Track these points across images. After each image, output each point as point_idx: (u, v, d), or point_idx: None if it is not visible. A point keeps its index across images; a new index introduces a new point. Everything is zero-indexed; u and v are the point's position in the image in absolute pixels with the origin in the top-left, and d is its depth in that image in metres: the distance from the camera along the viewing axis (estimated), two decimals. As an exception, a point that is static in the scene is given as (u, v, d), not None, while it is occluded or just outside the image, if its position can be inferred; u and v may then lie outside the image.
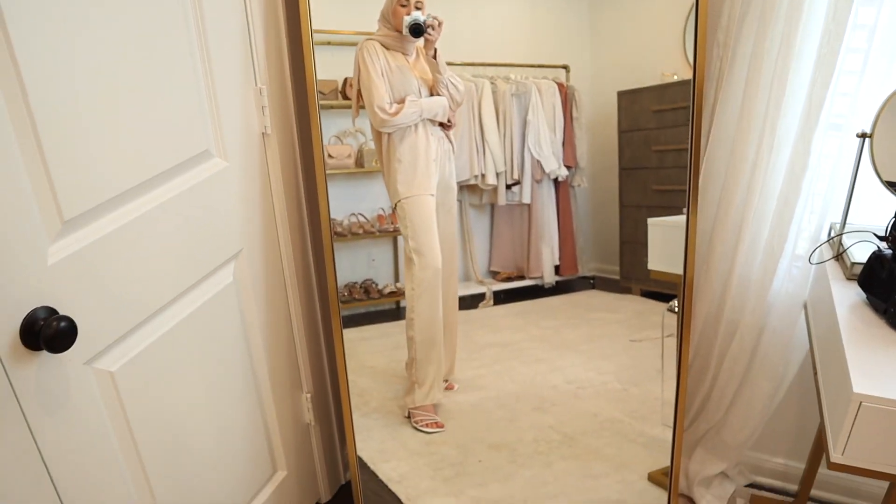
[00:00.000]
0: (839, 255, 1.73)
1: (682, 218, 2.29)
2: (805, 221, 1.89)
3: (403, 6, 2.47)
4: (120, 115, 1.32)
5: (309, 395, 2.13)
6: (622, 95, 3.94)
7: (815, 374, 1.70)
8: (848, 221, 1.79)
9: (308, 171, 2.02)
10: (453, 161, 2.77)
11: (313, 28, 3.48)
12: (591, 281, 4.26)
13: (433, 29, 2.44)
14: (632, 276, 3.98)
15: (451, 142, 2.71)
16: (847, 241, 1.74)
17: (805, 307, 1.94)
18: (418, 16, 2.43)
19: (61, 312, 1.20)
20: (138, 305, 1.42)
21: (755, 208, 1.91)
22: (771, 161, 1.86)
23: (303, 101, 1.98)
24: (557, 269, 4.17)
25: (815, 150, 1.82)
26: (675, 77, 3.76)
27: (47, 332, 1.15)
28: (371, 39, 2.57)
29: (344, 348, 1.95)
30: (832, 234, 1.83)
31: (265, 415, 1.93)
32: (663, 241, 2.26)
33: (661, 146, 3.76)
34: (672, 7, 3.77)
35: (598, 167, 4.27)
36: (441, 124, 2.65)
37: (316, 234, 2.08)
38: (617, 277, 4.13)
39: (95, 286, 1.30)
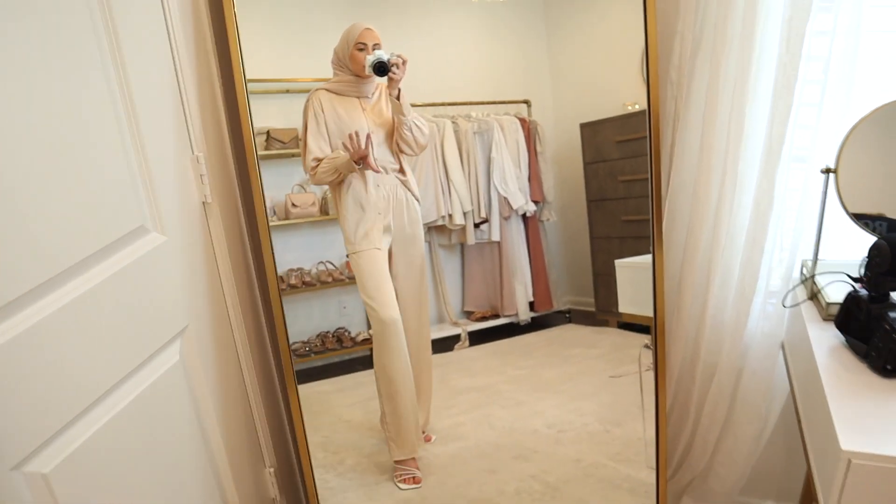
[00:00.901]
0: (814, 296, 1.65)
1: (647, 258, 2.20)
2: (776, 259, 1.81)
3: (361, 50, 2.39)
4: (37, 198, 1.20)
5: (272, 470, 2.00)
6: (585, 127, 3.88)
7: (799, 420, 1.60)
8: (820, 257, 1.71)
9: (255, 238, 1.91)
10: (415, 209, 2.67)
11: (270, 78, 3.42)
12: (567, 315, 4.16)
13: (397, 67, 2.35)
14: (607, 308, 3.88)
15: (408, 188, 2.61)
16: (821, 279, 1.66)
17: (783, 347, 1.85)
18: (381, 54, 2.33)
19: (-19, 417, 1.07)
20: (72, 398, 1.29)
21: (723, 249, 1.82)
22: (735, 200, 1.78)
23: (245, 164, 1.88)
24: (532, 306, 4.07)
25: (780, 186, 1.74)
26: (637, 107, 3.70)
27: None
28: (318, 90, 2.51)
29: (304, 425, 1.83)
30: (804, 272, 1.75)
31: (225, 495, 1.80)
32: (632, 283, 2.17)
33: (627, 176, 3.69)
34: (629, 37, 3.68)
35: (566, 200, 4.20)
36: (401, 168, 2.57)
37: (267, 300, 1.96)
38: (592, 309, 4.04)
39: (20, 383, 1.17)
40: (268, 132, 3.48)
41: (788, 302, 1.67)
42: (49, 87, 1.24)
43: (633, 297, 2.17)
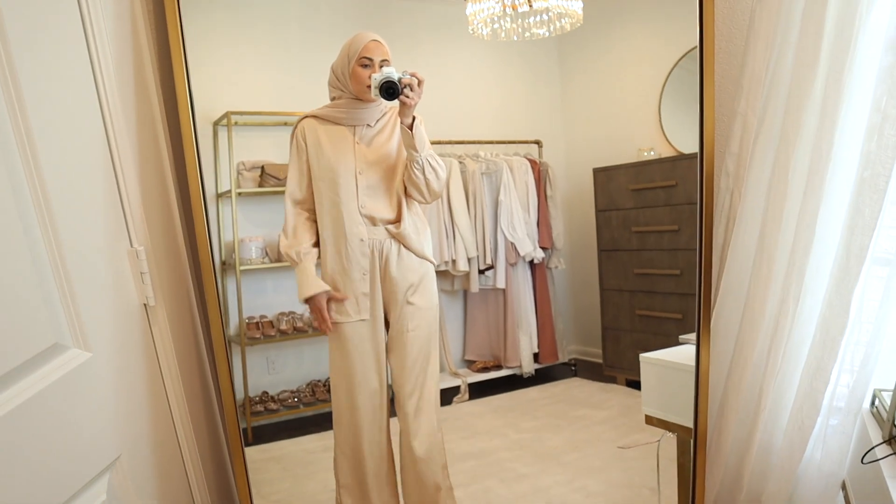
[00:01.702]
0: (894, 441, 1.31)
1: (678, 352, 1.86)
2: (843, 381, 1.46)
3: (365, 66, 1.86)
4: None
5: None
6: (598, 173, 3.56)
7: None
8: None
9: (211, 344, 1.55)
10: (417, 270, 2.01)
11: (267, 111, 3.11)
12: (573, 367, 3.85)
13: (411, 89, 1.80)
14: (616, 364, 3.57)
15: (405, 243, 1.99)
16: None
17: (844, 488, 1.52)
18: (392, 72, 1.79)
19: None
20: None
21: (778, 370, 1.48)
22: (797, 315, 1.43)
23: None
24: (536, 357, 3.76)
25: (856, 303, 1.40)
26: (653, 153, 3.40)
27: None
28: (306, 116, 1.99)
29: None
30: (876, 404, 1.41)
31: None
32: (660, 382, 1.84)
33: (640, 227, 3.38)
34: (647, 79, 3.42)
35: (576, 248, 3.90)
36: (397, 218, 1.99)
37: (230, 416, 1.59)
38: (599, 361, 3.74)
39: None
40: (262, 167, 3.18)
41: (866, 458, 1.32)
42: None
43: (660, 399, 1.84)
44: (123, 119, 1.36)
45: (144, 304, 1.37)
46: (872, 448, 1.28)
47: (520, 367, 3.70)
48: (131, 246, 1.34)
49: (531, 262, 3.75)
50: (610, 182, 3.58)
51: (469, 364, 3.81)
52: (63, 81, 1.23)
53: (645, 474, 2.53)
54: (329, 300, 1.91)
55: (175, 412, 1.45)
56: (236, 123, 3.07)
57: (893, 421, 1.31)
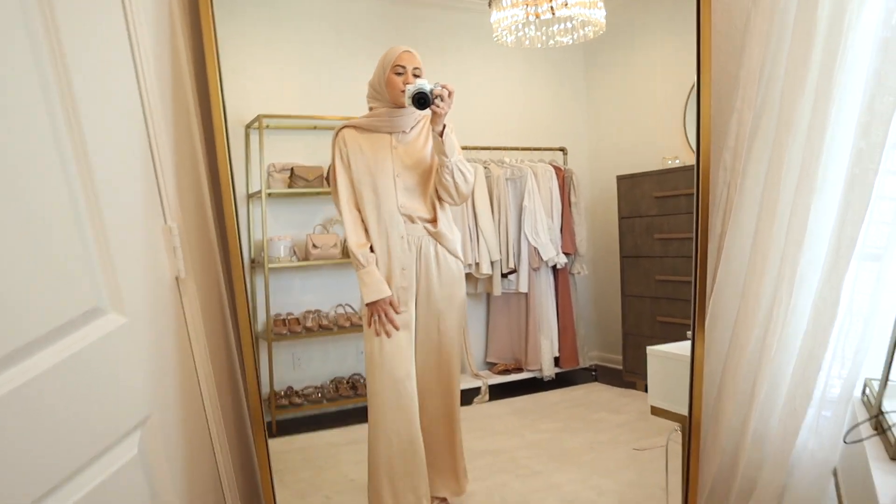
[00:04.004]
0: (882, 431, 1.37)
1: (684, 346, 1.93)
2: (834, 373, 1.52)
3: (399, 74, 2.04)
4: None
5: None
6: (622, 180, 3.64)
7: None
8: (891, 378, 1.42)
9: (236, 320, 1.67)
10: (448, 266, 2.20)
11: (297, 115, 3.25)
12: (593, 372, 3.91)
13: (441, 99, 1.96)
14: (636, 370, 3.62)
15: (441, 242, 2.18)
16: (893, 416, 1.38)
17: (836, 475, 1.57)
18: (424, 84, 1.96)
19: None
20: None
21: (772, 357, 1.55)
22: (791, 305, 1.50)
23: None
24: (557, 361, 3.83)
25: (846, 294, 1.46)
26: (677, 161, 3.46)
27: None
28: (344, 127, 2.15)
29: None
30: (867, 394, 1.47)
31: None
32: (666, 374, 1.91)
33: (663, 234, 3.43)
34: (672, 88, 3.49)
35: (599, 254, 3.97)
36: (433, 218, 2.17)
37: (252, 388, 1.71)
38: (620, 367, 3.79)
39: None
40: (292, 169, 3.30)
41: (848, 436, 1.39)
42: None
43: (665, 390, 1.91)
44: (161, 108, 1.49)
45: (176, 278, 1.50)
46: (856, 426, 1.34)
47: (540, 370, 3.76)
48: (165, 223, 1.48)
49: (554, 268, 3.82)
50: (634, 189, 3.64)
51: (490, 366, 3.90)
52: (108, 74, 1.37)
53: (658, 475, 2.57)
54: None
55: (202, 380, 1.58)
56: (268, 127, 3.21)
57: (880, 406, 1.37)
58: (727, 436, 1.68)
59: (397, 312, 2.10)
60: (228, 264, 1.55)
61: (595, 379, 3.92)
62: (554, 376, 3.81)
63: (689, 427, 1.54)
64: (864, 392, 1.52)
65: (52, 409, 1.16)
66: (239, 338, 1.60)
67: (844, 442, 1.37)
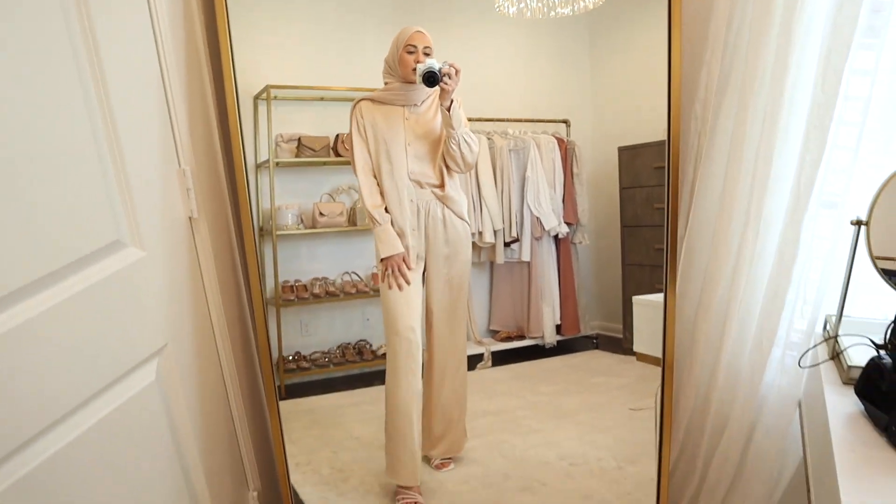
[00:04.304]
0: (835, 356, 1.49)
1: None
2: (797, 312, 1.65)
3: (410, 52, 2.24)
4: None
5: (256, 493, 1.92)
6: (623, 151, 3.74)
7: (808, 488, 1.46)
8: (847, 314, 1.55)
9: (244, 254, 1.83)
10: (455, 227, 2.43)
11: (304, 86, 3.37)
12: (594, 340, 4.03)
13: (449, 77, 2.17)
14: (635, 336, 3.73)
15: (448, 205, 2.41)
16: (844, 340, 1.50)
17: (800, 406, 1.70)
18: (433, 63, 2.15)
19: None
20: (25, 420, 1.21)
21: (741, 296, 1.67)
22: (757, 247, 1.63)
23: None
24: (559, 329, 3.95)
25: (807, 235, 1.58)
26: (679, 132, 3.55)
27: None
28: (361, 100, 2.36)
29: (284, 446, 1.74)
30: (827, 329, 1.59)
31: (203, 522, 1.73)
32: (649, 321, 2.04)
33: (662, 204, 3.51)
34: (674, 60, 3.57)
35: (600, 224, 4.07)
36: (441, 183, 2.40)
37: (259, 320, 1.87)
38: (620, 336, 3.90)
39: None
40: (299, 139, 3.43)
41: (807, 361, 1.52)
42: (14, 91, 1.17)
43: (649, 336, 2.04)
44: (175, 61, 1.65)
45: (189, 217, 1.66)
46: (809, 349, 1.46)
47: (542, 337, 3.89)
48: (179, 166, 1.63)
49: (556, 237, 3.94)
50: (634, 160, 3.74)
51: (493, 334, 4.03)
52: (128, 31, 1.53)
53: (651, 433, 2.70)
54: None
55: (213, 315, 1.73)
56: (276, 98, 3.34)
57: (836, 333, 1.49)
58: (701, 374, 1.80)
59: (409, 269, 2.32)
60: (236, 196, 1.70)
61: (596, 347, 4.04)
62: (555, 343, 3.93)
63: (663, 368, 1.67)
64: (825, 328, 1.64)
65: (79, 331, 1.31)
66: (248, 276, 1.76)
67: (800, 366, 1.49)
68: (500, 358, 3.89)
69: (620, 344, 3.87)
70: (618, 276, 3.83)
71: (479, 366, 3.78)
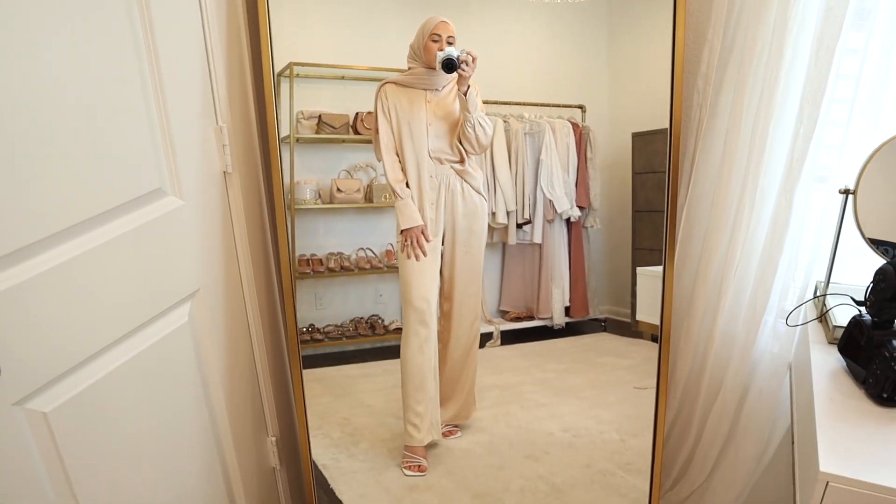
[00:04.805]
0: (822, 317, 1.61)
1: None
2: (790, 279, 1.77)
3: (435, 41, 2.45)
4: (57, 152, 1.29)
5: (274, 439, 2.06)
6: (637, 137, 3.83)
7: (793, 443, 1.58)
8: (834, 280, 1.67)
9: (273, 211, 1.98)
10: (473, 201, 2.72)
11: (326, 64, 3.50)
12: (603, 324, 4.12)
13: (466, 65, 2.40)
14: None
15: (466, 180, 2.67)
16: (830, 301, 1.62)
17: (790, 369, 1.82)
18: (452, 51, 2.38)
19: (-14, 351, 1.16)
20: (78, 344, 1.37)
21: (737, 263, 1.80)
22: (753, 215, 1.76)
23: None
24: (568, 311, 4.06)
25: (799, 205, 1.71)
26: (693, 119, 3.64)
27: (-35, 372, 1.11)
28: (386, 82, 2.58)
29: (304, 396, 1.88)
30: (817, 294, 1.71)
31: (224, 458, 1.87)
32: (651, 291, 2.16)
33: (673, 187, 3.62)
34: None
35: (612, 209, 4.16)
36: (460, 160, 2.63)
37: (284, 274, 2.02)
38: (629, 320, 3.99)
39: (28, 324, 1.25)
40: (319, 116, 3.56)
41: (795, 321, 1.64)
42: (76, 48, 1.32)
43: (650, 305, 2.16)
44: (217, 30, 1.79)
45: (224, 172, 1.80)
46: (796, 307, 1.59)
47: (551, 318, 4.00)
48: (217, 123, 1.77)
49: (568, 220, 4.04)
50: (648, 146, 3.83)
51: (503, 314, 4.14)
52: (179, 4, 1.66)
53: (655, 410, 2.82)
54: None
55: (241, 264, 1.88)
56: (297, 75, 3.46)
57: (825, 296, 1.61)
58: (698, 339, 1.93)
59: (427, 240, 2.53)
60: (268, 163, 1.84)
61: (605, 329, 4.14)
62: (564, 325, 4.03)
63: (661, 333, 1.79)
64: (815, 293, 1.76)
65: (125, 269, 1.48)
66: (275, 231, 1.91)
67: (787, 324, 1.61)
68: (509, 338, 4.00)
69: (629, 327, 3.97)
70: (627, 260, 3.92)
71: (488, 344, 3.90)
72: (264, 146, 1.93)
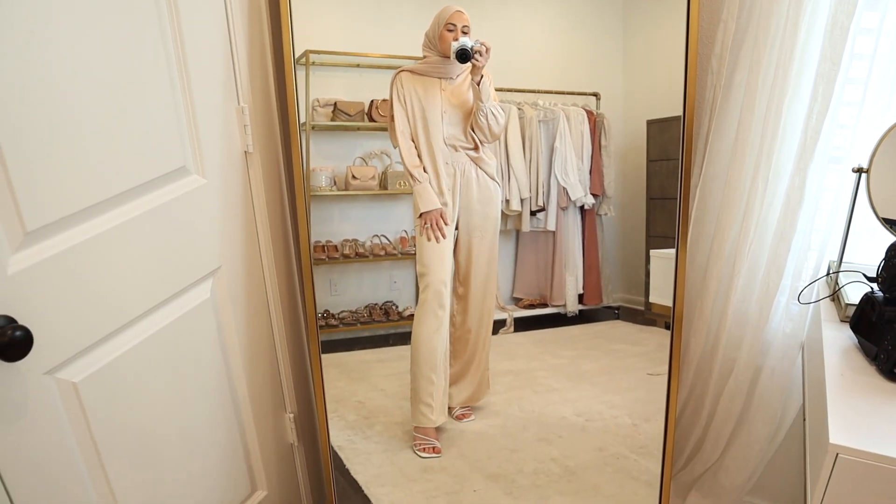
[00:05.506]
0: (834, 295, 1.64)
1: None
2: (803, 258, 1.80)
3: (450, 31, 2.49)
4: (88, 130, 1.34)
5: (292, 416, 2.11)
6: (651, 124, 3.86)
7: (804, 419, 1.61)
8: (846, 259, 1.70)
9: (292, 191, 2.02)
10: (487, 187, 2.74)
11: (341, 51, 3.54)
12: (616, 311, 4.16)
13: (480, 55, 2.43)
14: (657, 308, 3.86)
15: (481, 167, 2.70)
16: (842, 279, 1.65)
17: (802, 348, 1.85)
18: (466, 41, 2.43)
19: (21, 322, 1.20)
20: (105, 317, 1.42)
21: (750, 242, 1.83)
22: (767, 194, 1.78)
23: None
24: (581, 298, 4.10)
25: (812, 184, 1.74)
26: (708, 106, 3.66)
27: (1, 341, 1.16)
28: (402, 71, 2.61)
29: (322, 370, 1.93)
30: (830, 272, 1.74)
31: (244, 433, 1.92)
32: (664, 274, 2.19)
33: (689, 176, 3.64)
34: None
35: (626, 196, 4.19)
36: (475, 146, 2.66)
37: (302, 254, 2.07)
38: (643, 308, 4.03)
39: (59, 297, 1.30)
40: (335, 104, 3.61)
41: (808, 298, 1.67)
42: (104, 31, 1.37)
43: (663, 287, 2.19)
44: (240, 14, 1.82)
45: (245, 151, 1.85)
46: (808, 284, 1.61)
47: (564, 306, 4.04)
48: (238, 104, 1.82)
49: (581, 208, 4.08)
50: (663, 133, 3.86)
51: (517, 301, 4.19)
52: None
53: (668, 395, 2.85)
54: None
55: (262, 243, 1.93)
56: (313, 63, 3.51)
57: (838, 274, 1.63)
58: (711, 318, 1.96)
59: (446, 223, 2.59)
60: (288, 142, 1.89)
61: (618, 317, 4.18)
62: (577, 312, 4.08)
63: (673, 311, 1.82)
64: (828, 273, 1.79)
65: (151, 245, 1.53)
66: (295, 212, 1.95)
67: (798, 301, 1.64)
68: (522, 324, 4.05)
69: (642, 315, 4.00)
70: (641, 247, 3.96)
71: (501, 331, 3.95)
72: (284, 129, 1.97)
